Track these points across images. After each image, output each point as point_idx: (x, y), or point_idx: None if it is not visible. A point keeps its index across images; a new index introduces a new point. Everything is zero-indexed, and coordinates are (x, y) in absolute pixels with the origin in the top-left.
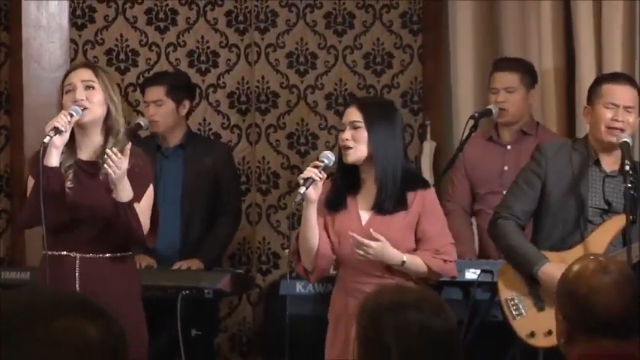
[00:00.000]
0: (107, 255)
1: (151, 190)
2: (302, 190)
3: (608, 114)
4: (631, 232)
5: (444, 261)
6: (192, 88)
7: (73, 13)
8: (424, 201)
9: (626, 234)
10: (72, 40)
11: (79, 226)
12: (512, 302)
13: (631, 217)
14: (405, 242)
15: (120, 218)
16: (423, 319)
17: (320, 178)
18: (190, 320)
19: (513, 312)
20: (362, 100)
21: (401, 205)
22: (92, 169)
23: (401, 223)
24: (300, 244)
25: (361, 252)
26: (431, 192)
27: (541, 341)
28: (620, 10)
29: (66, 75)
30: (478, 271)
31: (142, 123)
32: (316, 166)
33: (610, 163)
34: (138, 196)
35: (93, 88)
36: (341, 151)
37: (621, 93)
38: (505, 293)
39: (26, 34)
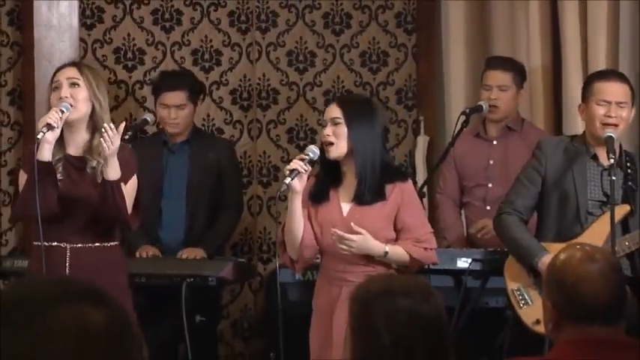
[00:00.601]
0: (96, 244)
1: (134, 178)
2: (287, 180)
3: (601, 111)
4: (630, 222)
5: (425, 249)
6: (203, 88)
7: (82, 14)
8: (402, 193)
9: (611, 225)
10: (81, 40)
11: (69, 217)
12: (518, 292)
13: (630, 208)
14: (384, 232)
15: (107, 199)
16: (412, 305)
17: (305, 170)
18: (194, 307)
19: (520, 302)
20: (342, 97)
21: (379, 196)
22: (80, 164)
23: (380, 213)
24: (286, 235)
25: (344, 246)
26: (409, 184)
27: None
28: (604, 11)
29: (54, 74)
30: (469, 260)
31: (148, 119)
32: (302, 159)
33: (607, 157)
34: (124, 181)
35: (78, 85)
36: (323, 146)
37: (612, 89)
38: (511, 284)
39: (38, 34)
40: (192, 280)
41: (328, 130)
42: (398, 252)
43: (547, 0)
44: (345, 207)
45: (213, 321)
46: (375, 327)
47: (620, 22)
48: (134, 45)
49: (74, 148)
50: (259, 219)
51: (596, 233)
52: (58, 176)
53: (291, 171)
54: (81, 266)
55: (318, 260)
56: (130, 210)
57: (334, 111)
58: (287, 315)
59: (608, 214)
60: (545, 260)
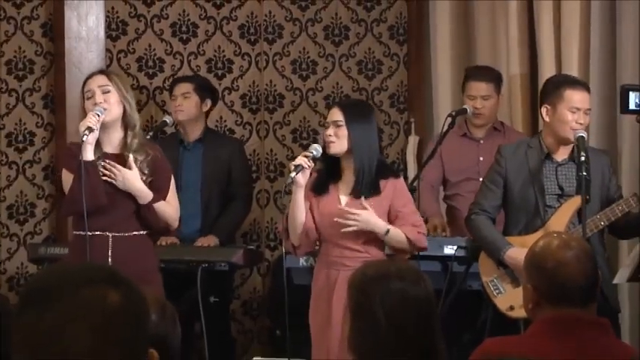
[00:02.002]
0: (134, 233)
1: (172, 180)
2: (292, 174)
3: (572, 117)
4: (587, 210)
5: (418, 232)
6: (214, 91)
7: (108, 27)
8: (394, 188)
9: (582, 214)
10: (107, 50)
11: (111, 209)
12: (492, 283)
13: (586, 197)
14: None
15: (147, 220)
16: (404, 287)
17: (308, 166)
18: (209, 289)
19: (494, 291)
20: (343, 102)
21: (375, 191)
22: (118, 161)
23: (374, 206)
24: (289, 223)
25: (350, 222)
26: (400, 180)
27: (519, 312)
28: (577, 23)
29: (84, 82)
30: (455, 247)
31: (167, 120)
32: (306, 156)
33: (561, 153)
34: (165, 188)
35: (109, 91)
36: (325, 144)
37: (582, 98)
38: (485, 277)
39: (68, 45)
40: (206, 265)
41: (330, 130)
42: (397, 232)
43: (524, 14)
44: (343, 199)
45: (225, 301)
46: (371, 308)
47: (590, 33)
48: (154, 55)
49: (110, 147)
50: (267, 210)
51: (557, 223)
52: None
53: (296, 166)
54: (121, 253)
55: (318, 247)
56: (177, 212)
57: (336, 114)
58: (292, 297)
59: (565, 205)
60: (509, 253)
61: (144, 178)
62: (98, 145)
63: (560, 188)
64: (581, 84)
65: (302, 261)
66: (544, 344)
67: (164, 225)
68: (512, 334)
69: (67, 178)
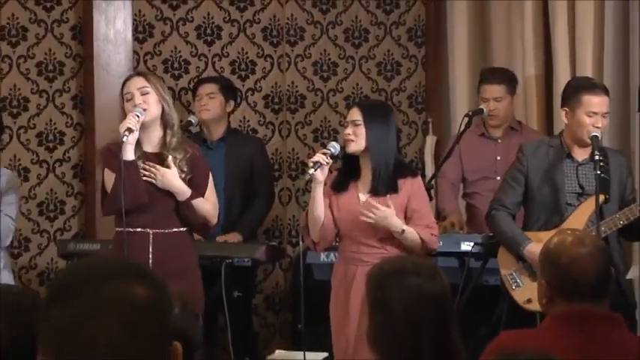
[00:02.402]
0: (174, 230)
1: (211, 178)
2: (311, 171)
3: (590, 120)
4: (604, 209)
5: (432, 234)
6: (237, 92)
7: (135, 30)
8: (412, 187)
9: (596, 212)
10: (135, 52)
11: (152, 206)
12: (510, 277)
13: (605, 196)
14: None
15: (186, 218)
16: (420, 282)
17: (327, 162)
18: (232, 284)
19: (512, 284)
20: (362, 102)
21: (392, 189)
22: (158, 159)
23: (392, 203)
24: (309, 220)
25: (370, 214)
26: (418, 179)
27: (536, 306)
28: (590, 26)
29: (123, 84)
30: (472, 244)
31: (192, 120)
32: (324, 153)
33: (581, 154)
34: (203, 185)
35: (147, 93)
36: (344, 143)
37: (599, 102)
38: (504, 270)
39: (97, 47)
40: (230, 260)
41: (349, 129)
42: (412, 233)
43: (540, 16)
44: (362, 197)
45: (248, 296)
46: (388, 302)
47: (604, 36)
48: (180, 56)
49: (150, 146)
50: (289, 208)
51: (576, 221)
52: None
53: (315, 163)
54: (162, 249)
55: (336, 243)
56: (216, 207)
57: (355, 114)
58: (312, 292)
59: (585, 204)
60: (529, 248)
61: (182, 175)
62: (138, 144)
63: (581, 187)
64: (600, 88)
65: (323, 256)
66: (558, 338)
67: (202, 221)
68: (527, 327)
69: (109, 178)
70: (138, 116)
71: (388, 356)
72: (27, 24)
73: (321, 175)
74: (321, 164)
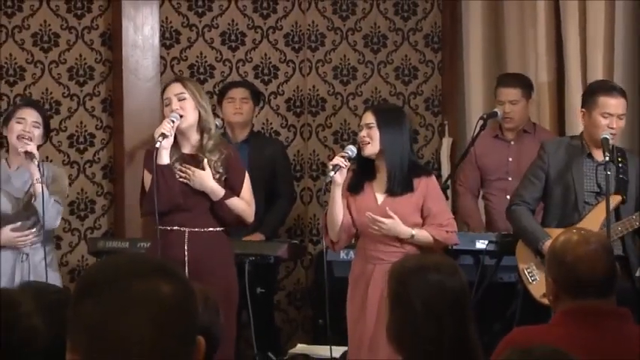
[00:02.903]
0: (209, 229)
1: (247, 177)
2: (331, 174)
3: (605, 122)
4: (622, 210)
5: (447, 232)
6: (261, 97)
7: (162, 36)
8: (427, 186)
9: (607, 212)
10: (162, 57)
11: (188, 206)
12: (527, 270)
13: (622, 197)
14: (411, 218)
15: (222, 218)
16: (440, 279)
17: (345, 165)
18: (256, 281)
19: (529, 278)
20: (376, 106)
21: (408, 188)
22: (195, 161)
23: (408, 202)
24: (328, 220)
25: (376, 227)
26: (433, 178)
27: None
28: (601, 33)
29: (163, 89)
30: (486, 242)
31: (217, 124)
32: (342, 156)
33: (600, 154)
34: (238, 185)
35: (184, 99)
36: (360, 145)
37: (615, 104)
38: (522, 264)
39: (125, 53)
40: (253, 258)
41: (364, 132)
42: (423, 234)
43: (552, 24)
44: (379, 197)
45: (271, 292)
46: (409, 298)
47: (615, 42)
48: (205, 62)
49: (188, 148)
50: (310, 207)
51: (593, 220)
52: (177, 173)
53: (334, 166)
54: (197, 247)
55: (355, 241)
56: (253, 205)
57: (368, 117)
58: (333, 288)
59: (602, 203)
60: (548, 244)
61: (217, 176)
62: (177, 146)
63: (599, 187)
64: (617, 90)
65: (343, 254)
66: (567, 333)
67: (237, 219)
68: (540, 323)
69: (148, 179)
70: (173, 121)
71: (408, 351)
72: (59, 30)
73: (340, 178)
74: (340, 167)
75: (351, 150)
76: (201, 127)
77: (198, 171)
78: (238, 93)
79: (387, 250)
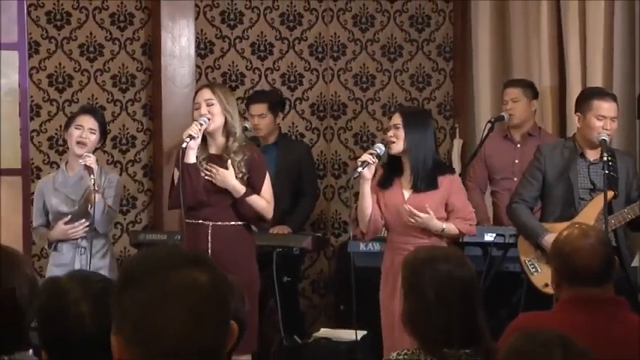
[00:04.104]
0: (232, 223)
1: (267, 177)
2: (359, 169)
3: (599, 124)
4: (614, 204)
5: (470, 225)
6: (284, 103)
7: (197, 46)
8: (451, 183)
9: (604, 208)
10: (197, 66)
11: (212, 202)
12: (529, 263)
13: (614, 192)
14: (436, 212)
15: (243, 213)
16: (450, 269)
17: (373, 162)
18: (282, 270)
19: (531, 270)
20: (403, 108)
21: (432, 186)
22: (220, 161)
23: (433, 198)
24: (358, 213)
25: (412, 219)
26: (456, 176)
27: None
28: (600, 41)
29: (195, 94)
30: (494, 235)
31: (247, 126)
32: (371, 153)
33: (593, 154)
34: (259, 184)
35: (213, 104)
36: (388, 144)
37: (609, 107)
38: (523, 257)
39: (164, 62)
40: (280, 250)
41: (391, 132)
42: (451, 228)
43: (554, 35)
44: (406, 193)
45: (296, 281)
46: (421, 286)
47: (614, 51)
48: (237, 70)
49: (214, 149)
50: (332, 203)
51: (588, 214)
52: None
53: (362, 162)
54: (219, 239)
55: (380, 235)
56: (272, 203)
57: (396, 118)
58: (354, 277)
59: (596, 199)
60: (547, 238)
61: (240, 175)
62: (205, 146)
63: (592, 184)
64: (609, 95)
65: (362, 246)
66: (567, 319)
67: (256, 215)
68: (543, 309)
69: (177, 177)
70: (201, 124)
71: (422, 335)
72: (103, 42)
73: (368, 173)
74: (368, 163)
75: (380, 148)
76: (227, 131)
77: (221, 170)
78: (256, 110)
79: (414, 242)
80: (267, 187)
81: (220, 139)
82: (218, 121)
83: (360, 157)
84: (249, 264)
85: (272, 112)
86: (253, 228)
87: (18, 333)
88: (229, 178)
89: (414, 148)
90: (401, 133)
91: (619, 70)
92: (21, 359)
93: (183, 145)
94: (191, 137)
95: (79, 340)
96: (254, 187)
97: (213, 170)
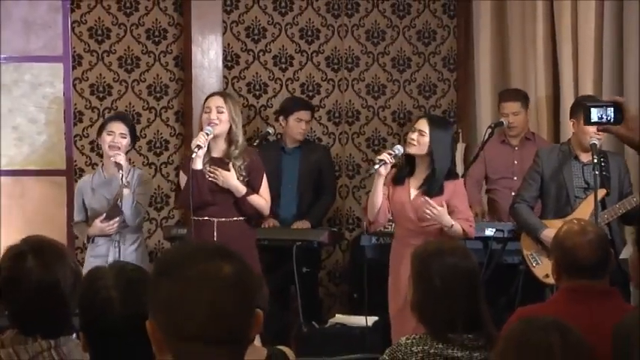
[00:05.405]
0: (234, 219)
1: (265, 177)
2: (376, 166)
3: (592, 129)
4: (607, 201)
5: (470, 226)
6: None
7: (225, 59)
8: (455, 187)
9: (595, 205)
10: (224, 77)
11: (216, 200)
12: (531, 256)
13: (607, 190)
14: None
15: (243, 210)
16: (456, 261)
17: (390, 161)
18: (302, 261)
19: (532, 262)
20: (430, 116)
21: (440, 192)
22: (221, 163)
23: (436, 201)
24: (368, 204)
25: (428, 211)
26: (460, 181)
27: (552, 280)
28: (591, 54)
29: (207, 98)
30: (494, 229)
31: (269, 131)
32: (389, 154)
33: (586, 156)
34: (257, 185)
35: (222, 112)
36: (407, 145)
37: None
38: (526, 251)
39: (194, 73)
40: (300, 243)
41: (414, 135)
42: (457, 227)
43: (550, 47)
44: (413, 193)
45: (314, 271)
46: (430, 276)
47: (603, 62)
48: (260, 80)
49: (217, 152)
50: (346, 201)
51: (582, 211)
52: (207, 171)
53: (380, 160)
54: (224, 234)
55: (387, 229)
56: (269, 201)
57: (423, 124)
58: (365, 267)
59: (590, 197)
60: (545, 233)
61: (241, 178)
62: (208, 150)
63: (586, 183)
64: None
65: (374, 240)
66: (564, 309)
67: (256, 212)
68: (537, 299)
69: (183, 178)
70: (207, 134)
71: (429, 320)
72: (139, 55)
73: (383, 171)
74: (385, 162)
75: (398, 149)
76: (230, 138)
77: (224, 172)
78: (306, 116)
79: (416, 236)
80: (264, 187)
81: (222, 144)
82: (224, 127)
83: (380, 155)
84: (252, 255)
85: (311, 119)
86: (277, 224)
87: (62, 319)
88: (231, 179)
89: (438, 156)
90: (425, 139)
91: (608, 81)
92: (65, 343)
93: (193, 155)
94: (199, 147)
95: (111, 323)
96: (253, 187)
97: (217, 172)
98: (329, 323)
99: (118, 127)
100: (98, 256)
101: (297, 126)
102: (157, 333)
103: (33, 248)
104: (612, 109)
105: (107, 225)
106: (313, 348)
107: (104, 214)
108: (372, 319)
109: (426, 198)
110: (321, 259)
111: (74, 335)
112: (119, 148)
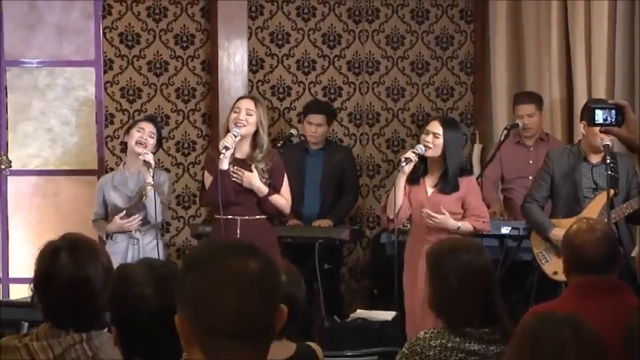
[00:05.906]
0: (257, 217)
1: (286, 178)
2: (403, 163)
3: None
4: (614, 201)
5: (483, 222)
6: (336, 114)
7: (250, 63)
8: (469, 185)
9: (607, 205)
10: (249, 80)
11: (240, 200)
12: (540, 254)
13: (615, 191)
14: (454, 209)
15: (265, 210)
16: (470, 258)
17: (415, 160)
18: (324, 258)
19: (542, 260)
20: (443, 119)
21: (455, 189)
22: (244, 164)
23: (452, 198)
24: (389, 201)
25: (430, 221)
26: (472, 178)
27: (561, 277)
28: (604, 58)
29: (238, 99)
30: (509, 228)
31: (293, 132)
32: (414, 152)
33: (595, 157)
34: (279, 186)
35: (251, 115)
36: (424, 147)
37: None
38: (536, 249)
39: (221, 76)
40: (322, 240)
41: (429, 137)
42: (466, 226)
43: (564, 51)
44: (429, 190)
45: (336, 267)
46: (445, 274)
47: (615, 66)
48: (284, 83)
49: (240, 154)
50: (367, 200)
51: (591, 210)
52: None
53: (406, 159)
54: (247, 231)
55: (405, 227)
56: (289, 201)
57: (436, 127)
58: (385, 264)
59: (598, 197)
60: (554, 232)
61: (263, 180)
62: (233, 152)
63: (595, 184)
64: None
65: (393, 237)
66: (573, 305)
67: (277, 211)
68: (552, 295)
69: (207, 178)
70: (235, 136)
71: (445, 316)
72: (168, 59)
73: (408, 169)
74: (411, 160)
75: (421, 148)
76: (255, 141)
77: (247, 172)
78: (316, 119)
79: (434, 234)
80: (285, 187)
81: (246, 147)
82: (251, 129)
83: (405, 153)
84: (274, 252)
85: (327, 122)
86: (300, 222)
87: (94, 314)
88: (254, 179)
89: (451, 156)
90: (439, 141)
91: (620, 83)
92: (97, 337)
93: (221, 156)
94: (226, 148)
95: (144, 318)
96: (275, 188)
97: (240, 173)
98: (350, 318)
99: (148, 127)
100: (117, 252)
101: (308, 129)
102: (185, 327)
103: (68, 245)
104: (614, 111)
105: (127, 222)
106: (335, 342)
107: (124, 211)
108: (391, 314)
109: (426, 210)
110: (343, 256)
111: (105, 329)
112: (146, 147)
